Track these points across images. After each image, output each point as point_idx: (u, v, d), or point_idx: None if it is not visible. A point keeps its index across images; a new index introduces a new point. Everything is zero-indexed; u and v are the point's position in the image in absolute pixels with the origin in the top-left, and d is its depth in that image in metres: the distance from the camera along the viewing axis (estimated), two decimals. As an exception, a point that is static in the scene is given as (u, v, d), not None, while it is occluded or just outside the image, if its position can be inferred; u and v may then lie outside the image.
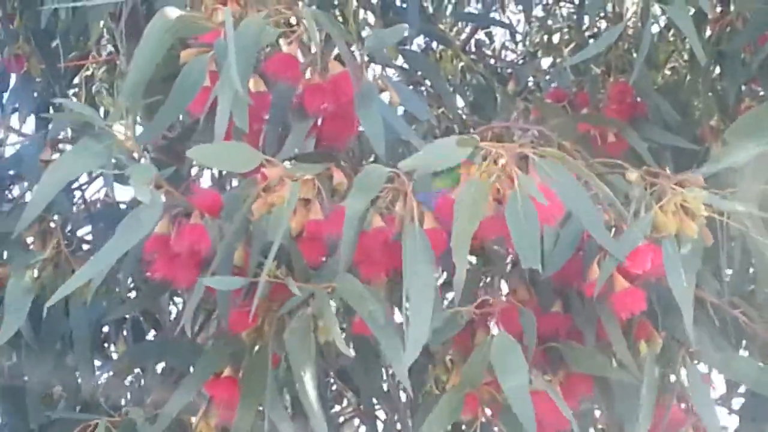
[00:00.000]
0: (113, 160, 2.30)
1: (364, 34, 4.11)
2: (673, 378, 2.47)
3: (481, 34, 4.67)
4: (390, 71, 3.82)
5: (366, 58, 2.65)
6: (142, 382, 3.31)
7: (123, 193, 3.33)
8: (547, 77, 4.14)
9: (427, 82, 3.86)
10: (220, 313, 2.38)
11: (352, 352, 2.20)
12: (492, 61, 4.63)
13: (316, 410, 2.24)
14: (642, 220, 2.29)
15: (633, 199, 2.37)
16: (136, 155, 2.36)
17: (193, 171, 3.58)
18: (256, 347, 2.44)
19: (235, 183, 3.30)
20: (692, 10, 3.19)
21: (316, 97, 2.45)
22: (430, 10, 3.94)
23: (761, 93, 3.50)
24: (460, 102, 4.12)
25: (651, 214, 2.29)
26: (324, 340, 2.31)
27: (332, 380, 3.45)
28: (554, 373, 2.43)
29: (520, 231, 2.02)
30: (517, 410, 2.10)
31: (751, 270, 2.75)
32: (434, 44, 4.27)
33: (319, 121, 2.56)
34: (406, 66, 3.64)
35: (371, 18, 4.16)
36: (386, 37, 2.67)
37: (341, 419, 4.24)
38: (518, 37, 4.87)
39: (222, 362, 2.48)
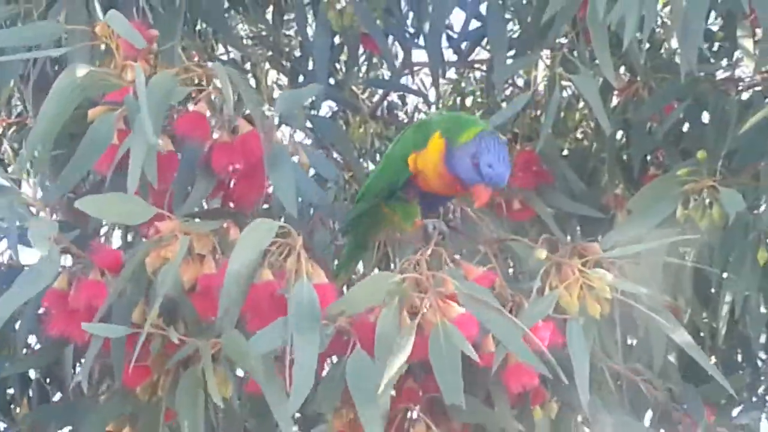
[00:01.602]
0: (17, 218, 2.28)
1: (275, 95, 4.13)
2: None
3: (394, 97, 4.68)
4: (300, 135, 3.81)
5: (276, 121, 2.64)
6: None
7: (28, 256, 3.26)
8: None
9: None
10: (115, 369, 2.33)
11: (221, 404, 2.16)
12: (405, 125, 4.62)
13: None
14: (545, 299, 2.29)
15: (537, 275, 2.38)
16: (40, 212, 2.34)
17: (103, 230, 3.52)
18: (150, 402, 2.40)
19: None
20: (600, 80, 3.24)
21: (224, 155, 2.43)
22: (340, 75, 3.93)
23: (666, 162, 3.53)
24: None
25: (555, 294, 2.29)
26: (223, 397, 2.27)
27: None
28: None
29: (442, 367, 2.08)
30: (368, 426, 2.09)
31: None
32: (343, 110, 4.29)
33: (229, 180, 2.54)
34: (314, 132, 3.62)
35: (284, 79, 4.16)
36: (297, 98, 2.68)
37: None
38: (431, 100, 4.88)
39: (115, 418, 2.45)
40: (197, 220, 2.42)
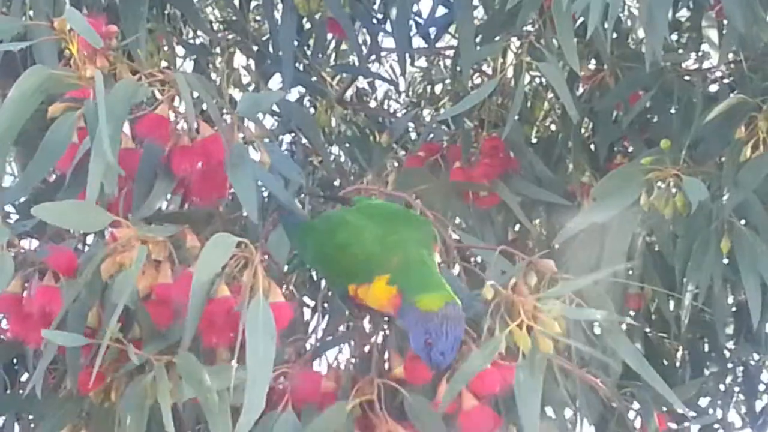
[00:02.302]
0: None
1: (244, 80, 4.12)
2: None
3: (364, 83, 4.67)
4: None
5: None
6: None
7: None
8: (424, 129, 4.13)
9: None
10: (69, 372, 2.33)
11: (172, 427, 2.11)
12: (374, 111, 4.62)
13: None
14: (495, 340, 2.25)
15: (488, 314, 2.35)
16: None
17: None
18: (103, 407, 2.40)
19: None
20: (567, 68, 3.25)
21: (185, 159, 2.42)
22: (308, 60, 3.93)
23: (631, 150, 3.55)
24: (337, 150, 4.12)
25: (503, 336, 2.25)
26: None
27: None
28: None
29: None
30: None
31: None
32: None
33: (188, 181, 2.52)
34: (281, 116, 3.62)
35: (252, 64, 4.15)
36: (260, 101, 2.68)
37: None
38: (401, 87, 4.87)
39: (71, 419, 2.44)
40: (153, 224, 2.40)
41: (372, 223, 2.43)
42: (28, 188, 2.40)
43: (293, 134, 3.94)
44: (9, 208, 2.63)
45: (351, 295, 2.38)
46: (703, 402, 4.17)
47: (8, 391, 3.20)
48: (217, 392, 2.09)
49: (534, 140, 3.86)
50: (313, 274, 3.45)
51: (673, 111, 3.33)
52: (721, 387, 4.29)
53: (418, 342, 2.23)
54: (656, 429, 2.87)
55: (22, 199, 2.57)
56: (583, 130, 3.61)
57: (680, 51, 3.69)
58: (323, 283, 2.94)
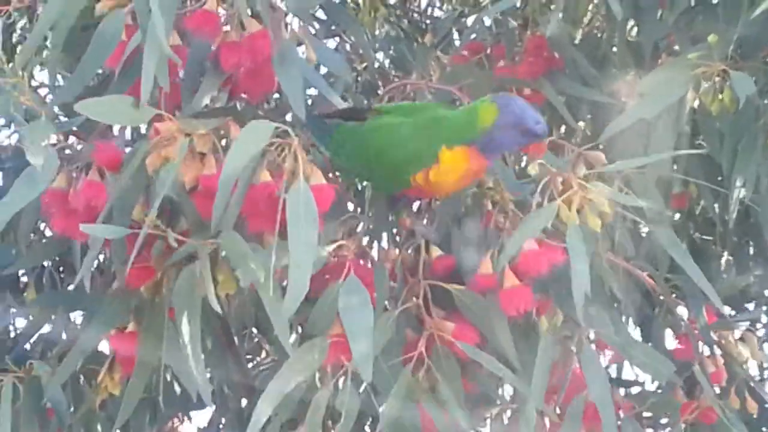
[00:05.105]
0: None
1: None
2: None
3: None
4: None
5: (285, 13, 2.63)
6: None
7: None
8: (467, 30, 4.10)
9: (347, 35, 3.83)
10: (116, 268, 2.38)
11: (219, 309, 2.16)
12: (417, 17, 4.59)
13: (196, 365, 2.24)
14: (544, 210, 2.31)
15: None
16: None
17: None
18: (155, 301, 2.43)
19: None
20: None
21: (232, 54, 2.44)
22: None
23: (677, 48, 3.51)
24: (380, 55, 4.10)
25: (554, 206, 2.31)
26: (226, 294, 2.30)
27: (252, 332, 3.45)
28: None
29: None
30: (356, 353, 2.14)
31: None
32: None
33: (236, 78, 2.55)
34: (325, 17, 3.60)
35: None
36: None
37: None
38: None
39: (120, 316, 2.47)
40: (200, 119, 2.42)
41: (408, 117, 2.49)
42: (80, 86, 2.43)
43: (337, 38, 3.92)
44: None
45: (410, 189, 2.44)
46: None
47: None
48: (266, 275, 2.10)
49: (578, 39, 3.81)
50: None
51: (719, 7, 3.28)
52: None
53: (514, 141, 2.37)
54: (705, 322, 2.88)
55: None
56: (627, 29, 3.55)
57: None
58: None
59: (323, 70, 3.00)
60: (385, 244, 2.72)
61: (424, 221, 2.66)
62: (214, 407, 3.48)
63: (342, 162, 2.62)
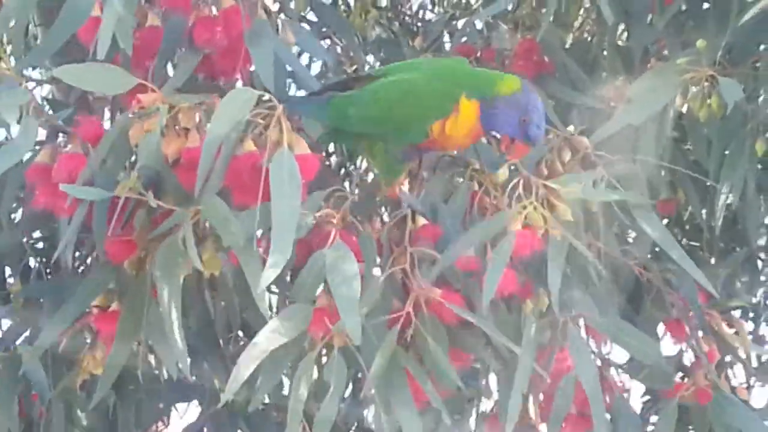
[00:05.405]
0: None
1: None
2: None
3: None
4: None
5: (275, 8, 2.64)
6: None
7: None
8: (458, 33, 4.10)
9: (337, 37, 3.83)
10: (96, 238, 2.34)
11: (202, 267, 2.16)
12: (408, 20, 4.59)
13: (177, 338, 2.22)
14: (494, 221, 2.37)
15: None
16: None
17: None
18: (138, 276, 2.41)
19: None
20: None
21: (206, 29, 2.46)
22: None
23: (666, 53, 3.52)
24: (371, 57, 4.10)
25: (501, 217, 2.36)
26: (210, 275, 2.30)
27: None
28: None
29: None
30: (345, 320, 2.10)
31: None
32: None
33: (211, 59, 2.56)
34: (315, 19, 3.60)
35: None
36: None
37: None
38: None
39: (100, 291, 2.46)
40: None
41: (416, 72, 2.50)
42: (50, 50, 2.40)
43: (328, 41, 3.92)
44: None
45: (424, 142, 2.45)
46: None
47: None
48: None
49: (569, 43, 3.82)
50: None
51: (708, 13, 3.29)
52: (753, 300, 4.26)
53: (510, 123, 2.37)
54: (698, 302, 2.87)
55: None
56: (617, 33, 3.56)
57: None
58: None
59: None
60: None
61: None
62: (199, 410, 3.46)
63: (348, 127, 2.57)
